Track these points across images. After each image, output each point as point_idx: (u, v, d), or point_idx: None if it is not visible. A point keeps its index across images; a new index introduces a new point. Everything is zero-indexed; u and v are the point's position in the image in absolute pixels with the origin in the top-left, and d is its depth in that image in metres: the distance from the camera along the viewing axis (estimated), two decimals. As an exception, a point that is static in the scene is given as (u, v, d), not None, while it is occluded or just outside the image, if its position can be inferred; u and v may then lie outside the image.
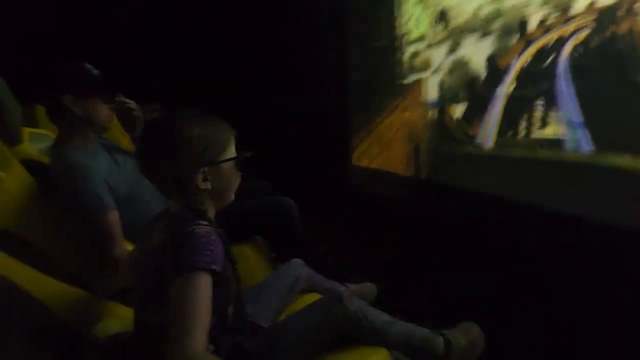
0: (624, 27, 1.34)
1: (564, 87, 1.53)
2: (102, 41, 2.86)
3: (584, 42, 1.48)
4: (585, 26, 1.47)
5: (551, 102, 1.62)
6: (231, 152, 0.78)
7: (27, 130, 1.47)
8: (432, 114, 2.36)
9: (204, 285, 0.64)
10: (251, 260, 1.39)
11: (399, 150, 2.59)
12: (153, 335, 0.63)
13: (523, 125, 1.77)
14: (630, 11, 1.31)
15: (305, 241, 1.56)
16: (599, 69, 1.45)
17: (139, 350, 0.71)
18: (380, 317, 0.90)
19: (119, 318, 0.82)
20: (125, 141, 2.23)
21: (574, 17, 1.51)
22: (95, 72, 1.21)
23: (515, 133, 1.80)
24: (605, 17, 1.40)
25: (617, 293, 1.32)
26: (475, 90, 2.02)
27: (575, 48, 1.52)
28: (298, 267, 1.10)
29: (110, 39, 2.95)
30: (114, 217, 1.11)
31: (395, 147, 2.62)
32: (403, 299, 1.65)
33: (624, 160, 1.34)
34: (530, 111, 1.71)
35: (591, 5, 1.46)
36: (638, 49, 1.30)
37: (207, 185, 0.75)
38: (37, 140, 1.51)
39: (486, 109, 1.94)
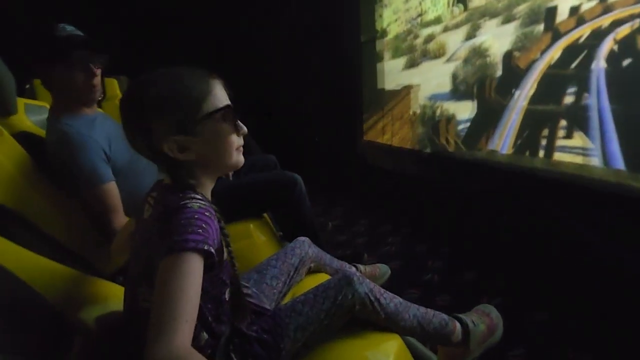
0: None
1: (599, 102, 1.18)
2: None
3: (626, 41, 1.13)
4: (629, 20, 1.12)
5: (579, 121, 1.26)
6: (212, 108, 0.64)
7: (22, 101, 1.40)
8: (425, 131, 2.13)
9: (193, 267, 0.55)
10: (256, 238, 1.33)
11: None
12: (144, 318, 0.55)
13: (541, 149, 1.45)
14: None
15: (314, 218, 1.49)
16: None
17: (129, 332, 0.66)
18: (393, 300, 0.83)
19: (113, 299, 0.77)
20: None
21: (613, 7, 1.17)
22: (66, 32, 1.04)
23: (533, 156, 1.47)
24: None
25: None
26: (484, 98, 1.72)
27: (613, 52, 1.18)
28: (305, 246, 1.03)
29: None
30: (112, 188, 1.06)
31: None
32: (416, 278, 1.60)
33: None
34: (553, 130, 1.39)
35: None
36: None
37: (189, 156, 0.64)
38: (33, 112, 1.45)
39: (497, 125, 1.67)
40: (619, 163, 1.16)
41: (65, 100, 1.10)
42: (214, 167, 0.69)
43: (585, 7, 1.34)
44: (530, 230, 1.66)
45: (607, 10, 1.25)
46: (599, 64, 1.21)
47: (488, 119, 1.71)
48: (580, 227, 1.45)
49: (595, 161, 1.27)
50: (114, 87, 2.21)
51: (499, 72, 1.74)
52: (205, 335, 0.67)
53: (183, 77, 0.65)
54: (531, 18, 1.63)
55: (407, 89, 2.26)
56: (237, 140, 0.69)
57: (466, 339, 0.92)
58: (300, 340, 0.76)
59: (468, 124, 1.96)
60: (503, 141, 1.65)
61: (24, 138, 1.19)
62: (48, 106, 1.45)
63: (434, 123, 2.09)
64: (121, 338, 0.67)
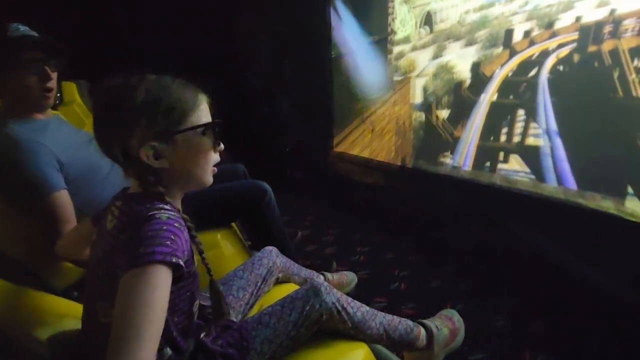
0: (606, 46, 1.37)
1: (544, 98, 1.61)
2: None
3: (565, 59, 1.52)
4: (568, 43, 1.51)
5: (531, 113, 1.67)
6: (197, 121, 0.65)
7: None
8: (419, 114, 2.37)
9: (160, 281, 0.53)
10: (224, 248, 1.31)
11: (389, 141, 2.60)
12: (103, 334, 0.52)
13: (504, 132, 1.81)
14: (613, 31, 1.34)
15: (283, 227, 1.48)
16: (577, 87, 1.49)
17: (86, 351, 0.62)
18: (360, 309, 0.85)
19: (67, 316, 0.73)
20: (89, 122, 2.08)
21: (558, 33, 1.55)
22: (19, 33, 0.97)
23: (497, 139, 1.85)
24: (587, 35, 1.43)
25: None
26: (460, 94, 2.04)
27: (556, 64, 1.57)
28: (272, 256, 1.02)
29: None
30: (63, 197, 0.99)
31: (386, 138, 2.64)
32: (383, 287, 1.63)
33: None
34: (512, 119, 1.77)
35: (576, 22, 1.47)
36: (616, 69, 1.32)
37: (163, 164, 0.63)
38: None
39: (469, 114, 1.96)
40: (558, 140, 1.55)
41: (16, 104, 1.03)
42: (185, 180, 0.68)
43: (536, 32, 1.68)
44: (492, 240, 1.75)
45: (553, 35, 1.61)
46: (545, 74, 1.62)
47: (464, 109, 2.02)
48: (537, 237, 1.55)
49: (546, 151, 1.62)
50: (73, 92, 2.10)
51: (467, 82, 2.05)
52: (168, 350, 0.64)
53: (172, 85, 0.64)
54: (490, 42, 1.88)
55: (408, 79, 2.50)
56: (214, 157, 0.69)
57: (431, 343, 0.95)
58: (267, 353, 0.75)
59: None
60: (474, 129, 1.94)
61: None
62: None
63: (428, 104, 2.32)
64: (77, 358, 0.63)
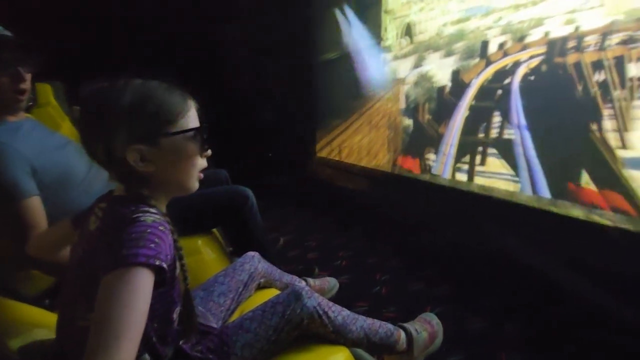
0: (570, 59, 1.53)
1: (516, 103, 1.82)
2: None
3: (535, 69, 1.71)
4: (537, 55, 1.69)
5: (505, 114, 1.87)
6: (185, 126, 0.64)
7: None
8: (405, 119, 2.47)
9: (142, 283, 0.52)
10: (205, 255, 1.29)
11: (383, 134, 2.76)
12: (81, 338, 0.50)
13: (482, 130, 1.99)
14: (577, 46, 1.51)
15: (265, 233, 1.48)
16: (544, 92, 1.69)
17: (63, 359, 0.60)
18: (341, 313, 0.86)
19: (39, 325, 0.70)
20: (64, 125, 2.02)
21: (529, 46, 1.73)
22: None
23: (475, 134, 2.03)
24: (554, 48, 1.60)
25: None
26: (442, 97, 2.19)
27: (526, 74, 1.75)
28: (254, 261, 1.02)
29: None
30: (34, 204, 0.96)
31: (381, 130, 2.77)
32: (365, 291, 1.64)
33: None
34: (489, 119, 1.95)
35: (545, 36, 1.65)
36: (581, 82, 1.49)
37: (148, 167, 0.63)
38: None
39: (451, 115, 2.09)
40: (527, 132, 1.71)
41: None
42: (171, 185, 0.67)
43: (509, 45, 1.83)
44: (470, 245, 1.80)
45: (524, 48, 1.76)
46: (517, 81, 1.79)
47: (447, 110, 2.15)
48: (514, 242, 1.61)
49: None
50: (47, 94, 2.03)
51: (448, 87, 2.18)
52: (147, 357, 0.63)
53: (158, 89, 0.64)
54: (468, 53, 2.00)
55: (398, 81, 2.60)
56: (200, 163, 0.68)
57: (410, 346, 0.96)
58: (247, 358, 0.75)
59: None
60: (456, 127, 2.10)
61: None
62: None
63: (411, 108, 2.45)
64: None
